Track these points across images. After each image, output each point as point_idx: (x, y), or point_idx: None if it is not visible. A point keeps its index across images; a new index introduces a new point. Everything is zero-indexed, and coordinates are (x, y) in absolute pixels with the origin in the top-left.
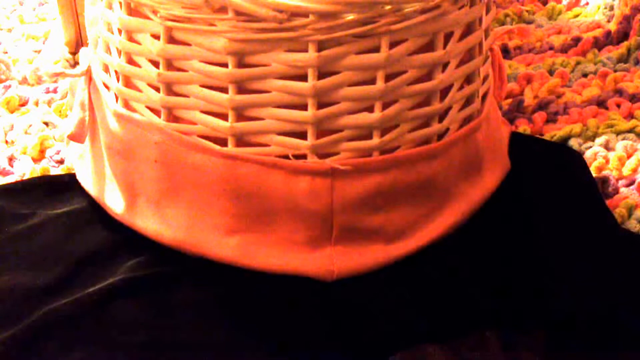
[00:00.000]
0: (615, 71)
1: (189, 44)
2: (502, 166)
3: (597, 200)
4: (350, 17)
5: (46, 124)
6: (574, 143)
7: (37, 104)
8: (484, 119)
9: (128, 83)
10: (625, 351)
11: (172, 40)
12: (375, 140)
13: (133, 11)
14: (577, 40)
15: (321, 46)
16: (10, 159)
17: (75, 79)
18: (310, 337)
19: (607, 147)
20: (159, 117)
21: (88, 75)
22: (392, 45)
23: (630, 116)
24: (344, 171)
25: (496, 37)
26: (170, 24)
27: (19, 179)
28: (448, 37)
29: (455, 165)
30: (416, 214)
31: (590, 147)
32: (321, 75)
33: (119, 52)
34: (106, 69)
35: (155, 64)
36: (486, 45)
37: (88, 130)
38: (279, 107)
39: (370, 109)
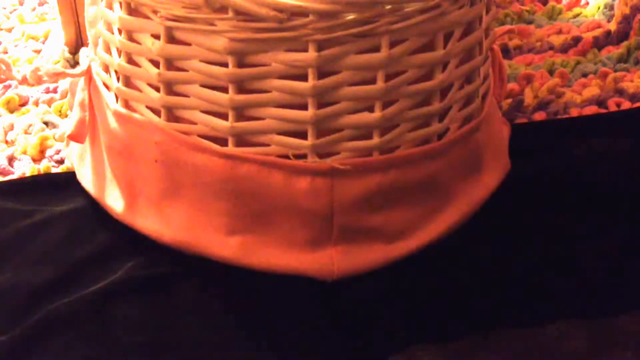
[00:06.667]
0: (615, 71)
1: (189, 44)
2: (502, 166)
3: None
4: (350, 16)
5: (46, 124)
6: None
7: (37, 104)
8: (484, 119)
9: (128, 83)
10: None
11: (172, 40)
12: (375, 140)
13: (133, 11)
14: (577, 40)
15: (321, 46)
16: (10, 159)
17: (75, 79)
18: (310, 337)
19: None
20: (159, 117)
21: (88, 75)
22: (392, 45)
23: None
24: (344, 171)
25: (496, 37)
26: (170, 23)
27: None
28: (448, 36)
29: (455, 165)
30: (416, 213)
31: None
32: (321, 75)
33: (119, 52)
34: (106, 69)
35: (156, 64)
36: (486, 45)
37: (88, 130)
38: (279, 106)
39: (370, 109)
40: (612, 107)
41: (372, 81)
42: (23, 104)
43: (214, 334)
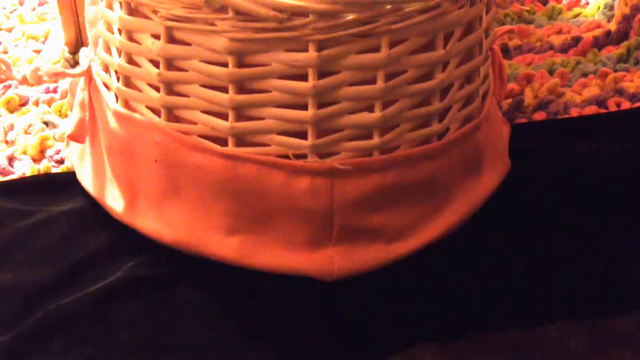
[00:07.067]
0: (615, 71)
1: (189, 44)
2: (502, 166)
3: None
4: (351, 16)
5: (46, 123)
6: None
7: (37, 104)
8: (484, 119)
9: (128, 83)
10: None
11: (172, 40)
12: (376, 140)
13: (133, 11)
14: (577, 40)
15: (321, 46)
16: (10, 159)
17: (75, 79)
18: (310, 337)
19: None
20: (159, 117)
21: (88, 75)
22: (393, 44)
23: None
24: (344, 171)
25: (496, 37)
26: (170, 23)
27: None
28: (448, 36)
29: (455, 164)
30: (416, 213)
31: None
32: (321, 75)
33: (119, 52)
34: (106, 69)
35: (156, 64)
36: (486, 44)
37: (88, 130)
38: (279, 106)
39: (370, 109)
40: (612, 107)
41: (372, 81)
42: (23, 104)
43: (214, 334)
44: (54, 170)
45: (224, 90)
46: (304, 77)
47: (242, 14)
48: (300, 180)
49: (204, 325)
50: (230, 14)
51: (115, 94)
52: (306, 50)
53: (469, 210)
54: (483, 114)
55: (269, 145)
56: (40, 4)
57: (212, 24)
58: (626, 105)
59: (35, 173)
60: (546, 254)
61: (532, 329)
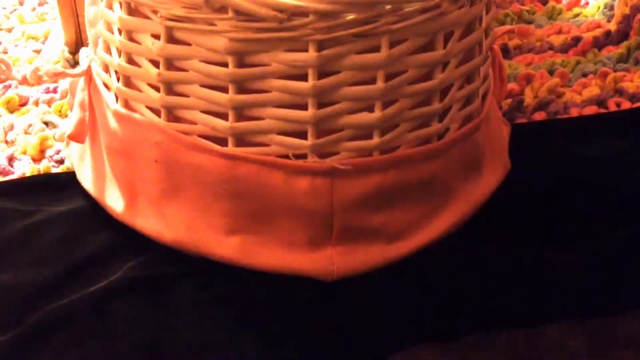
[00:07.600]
0: (615, 71)
1: (189, 44)
2: (502, 166)
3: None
4: (351, 16)
5: (46, 124)
6: None
7: (37, 104)
8: (484, 119)
9: (128, 83)
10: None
11: (172, 40)
12: (376, 140)
13: (133, 11)
14: (577, 40)
15: (321, 46)
16: (10, 159)
17: (75, 79)
18: (310, 337)
19: None
20: (159, 117)
21: (88, 75)
22: (392, 44)
23: None
24: (344, 171)
25: (496, 37)
26: (170, 23)
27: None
28: (448, 36)
29: (455, 165)
30: (416, 213)
31: None
32: (321, 75)
33: (119, 52)
34: (106, 69)
35: (156, 64)
36: (486, 45)
37: (88, 130)
38: (279, 106)
39: (370, 109)
40: (612, 107)
41: (372, 81)
42: (23, 104)
43: (213, 334)
44: (54, 170)
45: (224, 90)
46: (304, 77)
47: (242, 14)
48: (300, 180)
49: (203, 325)
50: (230, 14)
51: (115, 94)
52: (306, 50)
53: (469, 210)
54: (483, 114)
55: (268, 145)
56: (40, 4)
57: (212, 24)
58: (626, 105)
59: (35, 173)
60: (546, 254)
61: (532, 329)
